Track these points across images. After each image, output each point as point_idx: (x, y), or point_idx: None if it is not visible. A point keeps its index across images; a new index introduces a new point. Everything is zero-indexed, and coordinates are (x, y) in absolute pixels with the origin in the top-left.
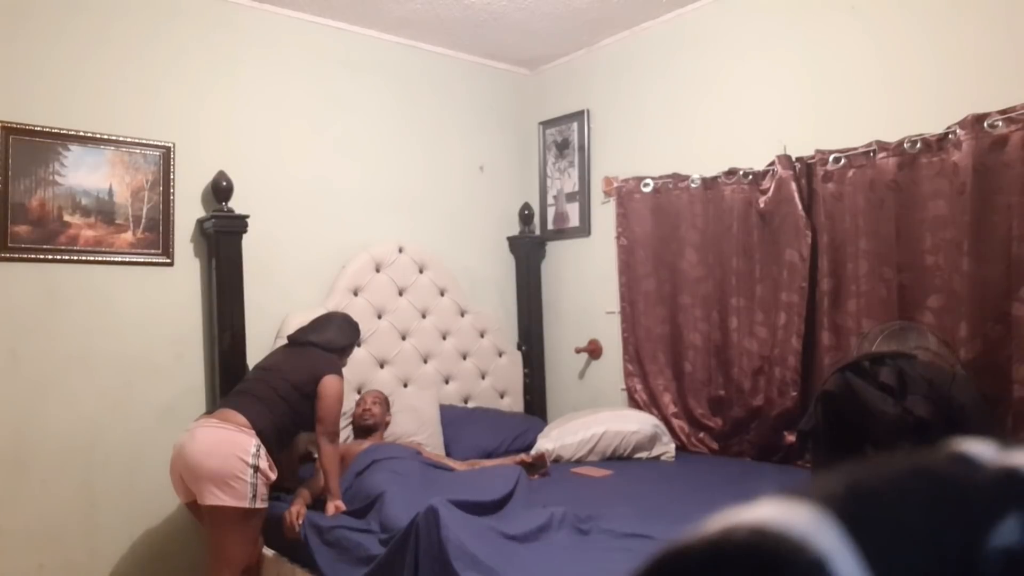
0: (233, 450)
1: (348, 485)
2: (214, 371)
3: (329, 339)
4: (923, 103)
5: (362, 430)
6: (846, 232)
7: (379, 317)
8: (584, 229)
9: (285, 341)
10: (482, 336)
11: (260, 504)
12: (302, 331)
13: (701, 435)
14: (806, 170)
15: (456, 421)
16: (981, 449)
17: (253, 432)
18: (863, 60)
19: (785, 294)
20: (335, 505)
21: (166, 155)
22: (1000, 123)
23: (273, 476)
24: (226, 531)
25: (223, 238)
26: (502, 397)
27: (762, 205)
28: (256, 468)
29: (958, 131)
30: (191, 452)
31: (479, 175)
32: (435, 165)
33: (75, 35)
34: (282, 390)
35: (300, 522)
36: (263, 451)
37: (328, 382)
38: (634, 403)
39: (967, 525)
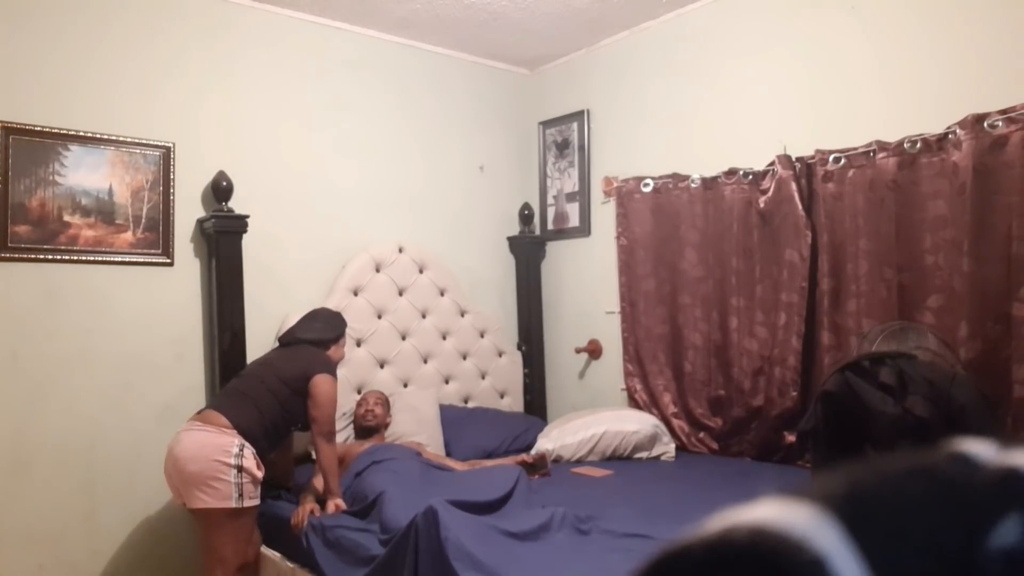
0: (212, 453)
1: (348, 485)
2: (214, 371)
3: (318, 334)
4: (923, 103)
5: (364, 431)
6: (846, 232)
7: (379, 317)
8: (584, 229)
9: None
10: (482, 336)
11: (248, 503)
12: (290, 331)
13: (701, 435)
14: (806, 170)
15: (456, 421)
16: (981, 449)
17: (235, 432)
18: (863, 60)
19: (785, 294)
20: (335, 504)
21: (166, 155)
22: (1000, 123)
23: (260, 474)
24: (216, 531)
25: (223, 238)
26: (502, 397)
27: (762, 205)
28: (240, 468)
29: (958, 131)
30: (176, 456)
31: (479, 175)
32: (435, 165)
33: (75, 35)
34: (273, 386)
35: (310, 518)
36: (247, 450)
37: (319, 381)
38: (634, 403)
39: (967, 525)
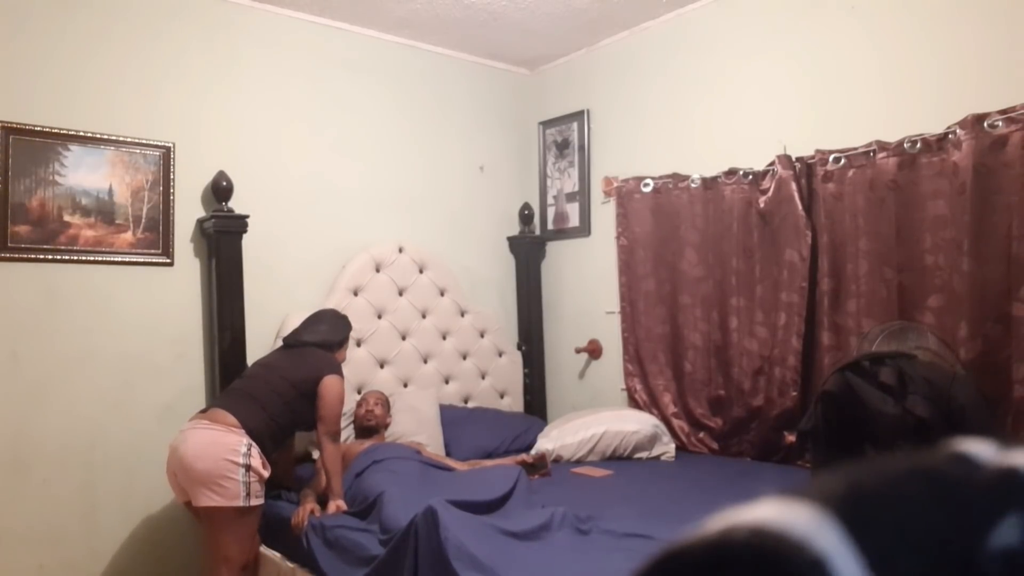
0: (221, 452)
1: (348, 485)
2: (214, 371)
3: (324, 337)
4: (923, 103)
5: (364, 431)
6: (846, 232)
7: (379, 317)
8: (584, 229)
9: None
10: (482, 336)
11: (255, 502)
12: (296, 332)
13: (701, 435)
14: (806, 170)
15: (456, 421)
16: (981, 449)
17: (243, 431)
18: (863, 60)
19: (785, 294)
20: (336, 504)
21: (166, 155)
22: (1000, 123)
23: (266, 474)
24: (222, 530)
25: (223, 238)
26: (502, 397)
27: (762, 205)
28: (248, 467)
29: (958, 131)
30: (183, 455)
31: (479, 175)
32: (435, 165)
33: (75, 35)
34: (279, 388)
35: (310, 518)
36: (254, 449)
37: (329, 382)
38: (634, 403)
39: (967, 525)
